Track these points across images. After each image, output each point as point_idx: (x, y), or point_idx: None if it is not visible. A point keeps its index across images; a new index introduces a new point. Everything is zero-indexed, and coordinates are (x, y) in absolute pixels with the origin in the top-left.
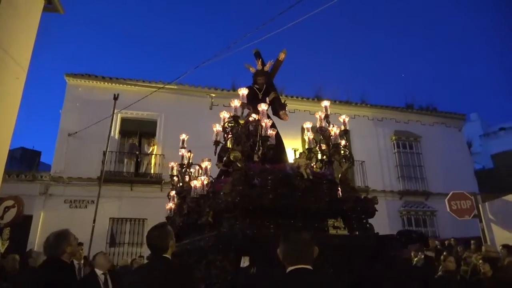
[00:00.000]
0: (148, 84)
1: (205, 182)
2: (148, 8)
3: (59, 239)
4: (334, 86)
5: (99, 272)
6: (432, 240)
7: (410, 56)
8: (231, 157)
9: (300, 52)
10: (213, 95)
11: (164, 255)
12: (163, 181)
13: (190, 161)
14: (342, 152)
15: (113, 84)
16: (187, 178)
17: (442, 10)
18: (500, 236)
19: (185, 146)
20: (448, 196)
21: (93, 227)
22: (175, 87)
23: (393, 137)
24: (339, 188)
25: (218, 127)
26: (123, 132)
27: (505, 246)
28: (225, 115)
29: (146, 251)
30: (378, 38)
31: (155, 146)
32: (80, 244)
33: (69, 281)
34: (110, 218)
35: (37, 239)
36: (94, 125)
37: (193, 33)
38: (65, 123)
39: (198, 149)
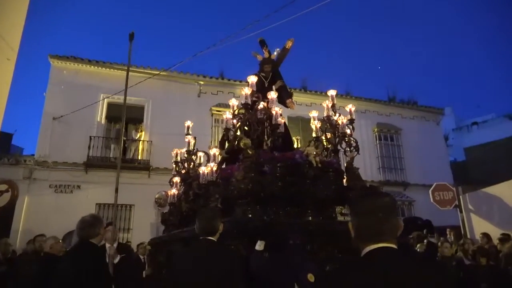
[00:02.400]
0: (136, 69)
1: (214, 169)
2: None
3: (94, 222)
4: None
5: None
6: None
7: (393, 50)
8: (241, 144)
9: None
10: (202, 82)
11: (212, 238)
12: (150, 168)
13: (194, 147)
14: (347, 141)
15: (100, 68)
16: (191, 165)
17: (424, 7)
18: (479, 226)
19: (190, 132)
20: (432, 187)
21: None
22: (164, 73)
23: (375, 129)
24: (345, 176)
25: (228, 115)
26: (110, 118)
27: (484, 234)
28: (234, 102)
29: (132, 237)
30: (363, 32)
31: (143, 132)
32: (110, 224)
33: (100, 263)
34: (96, 203)
35: (21, 224)
36: (80, 109)
37: (183, 19)
38: (50, 106)
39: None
